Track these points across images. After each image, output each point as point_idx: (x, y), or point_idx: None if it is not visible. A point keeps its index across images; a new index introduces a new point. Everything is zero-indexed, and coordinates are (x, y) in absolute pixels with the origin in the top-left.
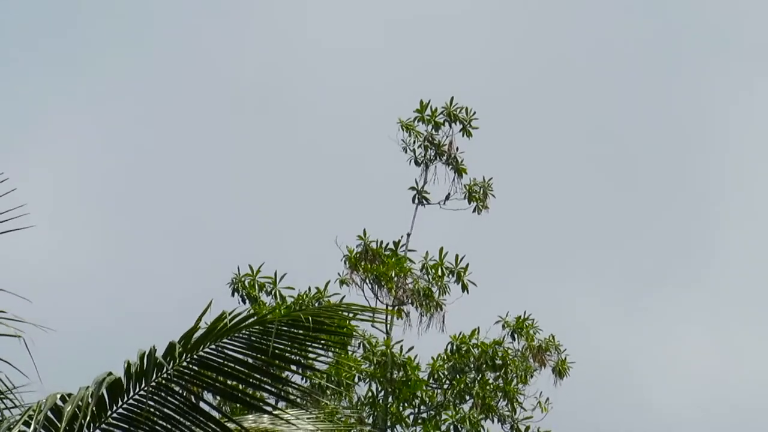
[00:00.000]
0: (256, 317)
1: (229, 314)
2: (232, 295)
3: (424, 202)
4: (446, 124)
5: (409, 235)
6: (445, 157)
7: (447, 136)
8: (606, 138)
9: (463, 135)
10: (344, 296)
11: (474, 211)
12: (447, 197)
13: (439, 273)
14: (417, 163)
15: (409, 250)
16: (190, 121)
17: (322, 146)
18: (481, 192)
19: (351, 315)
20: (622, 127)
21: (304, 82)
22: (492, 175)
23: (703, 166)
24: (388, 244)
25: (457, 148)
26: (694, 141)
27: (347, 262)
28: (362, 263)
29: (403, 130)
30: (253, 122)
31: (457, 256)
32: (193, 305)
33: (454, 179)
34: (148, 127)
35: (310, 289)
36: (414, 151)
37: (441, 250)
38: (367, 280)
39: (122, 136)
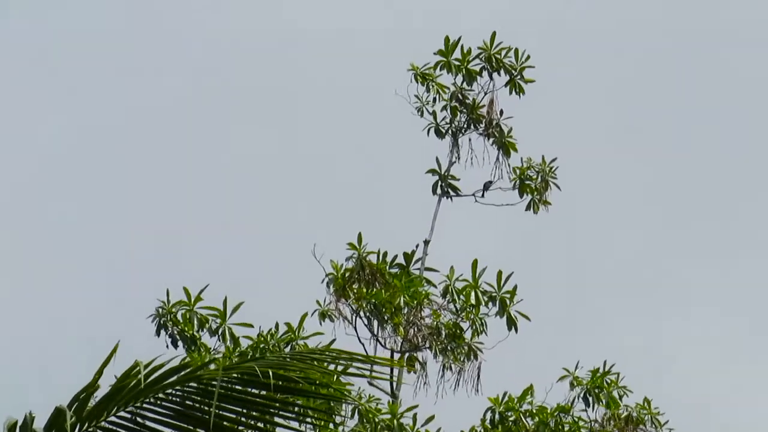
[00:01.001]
0: (189, 370)
1: (147, 365)
2: (157, 333)
3: (451, 193)
4: (485, 73)
5: (427, 243)
6: (483, 126)
7: (486, 92)
8: (709, 106)
9: (511, 92)
10: (334, 341)
11: (528, 208)
12: (486, 187)
13: (472, 300)
14: (440, 134)
15: (427, 269)
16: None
17: (296, 112)
18: (540, 179)
19: (337, 368)
20: (727, 93)
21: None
22: (554, 153)
23: None
24: (395, 258)
25: (501, 112)
26: None
27: (332, 285)
28: (355, 286)
29: (417, 81)
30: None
31: (499, 273)
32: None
33: (498, 158)
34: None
35: (277, 326)
36: (435, 114)
37: (474, 264)
38: (363, 313)
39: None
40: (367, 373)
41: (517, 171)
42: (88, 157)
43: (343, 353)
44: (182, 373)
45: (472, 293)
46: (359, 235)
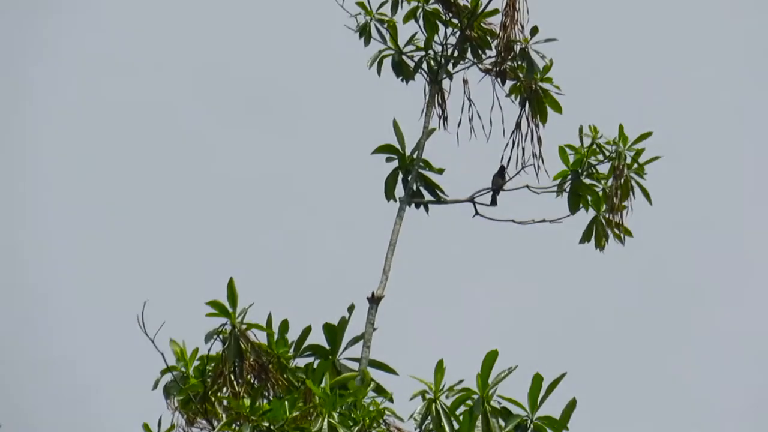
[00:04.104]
0: None
1: None
2: None
3: (426, 195)
4: None
5: (375, 301)
6: (493, 56)
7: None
8: None
9: None
10: None
11: (586, 238)
12: (498, 184)
13: (477, 422)
14: (403, 71)
15: (373, 362)
16: None
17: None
18: (615, 177)
19: None
20: None
21: None
22: (643, 121)
23: None
24: (307, 332)
25: (535, 30)
26: None
27: (175, 391)
28: (225, 391)
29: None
30: None
31: (537, 379)
32: None
33: (520, 126)
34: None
35: None
36: (394, 31)
37: (490, 359)
38: None
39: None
40: None
41: (569, 155)
42: None
43: None
44: None
45: (483, 405)
46: (231, 284)
